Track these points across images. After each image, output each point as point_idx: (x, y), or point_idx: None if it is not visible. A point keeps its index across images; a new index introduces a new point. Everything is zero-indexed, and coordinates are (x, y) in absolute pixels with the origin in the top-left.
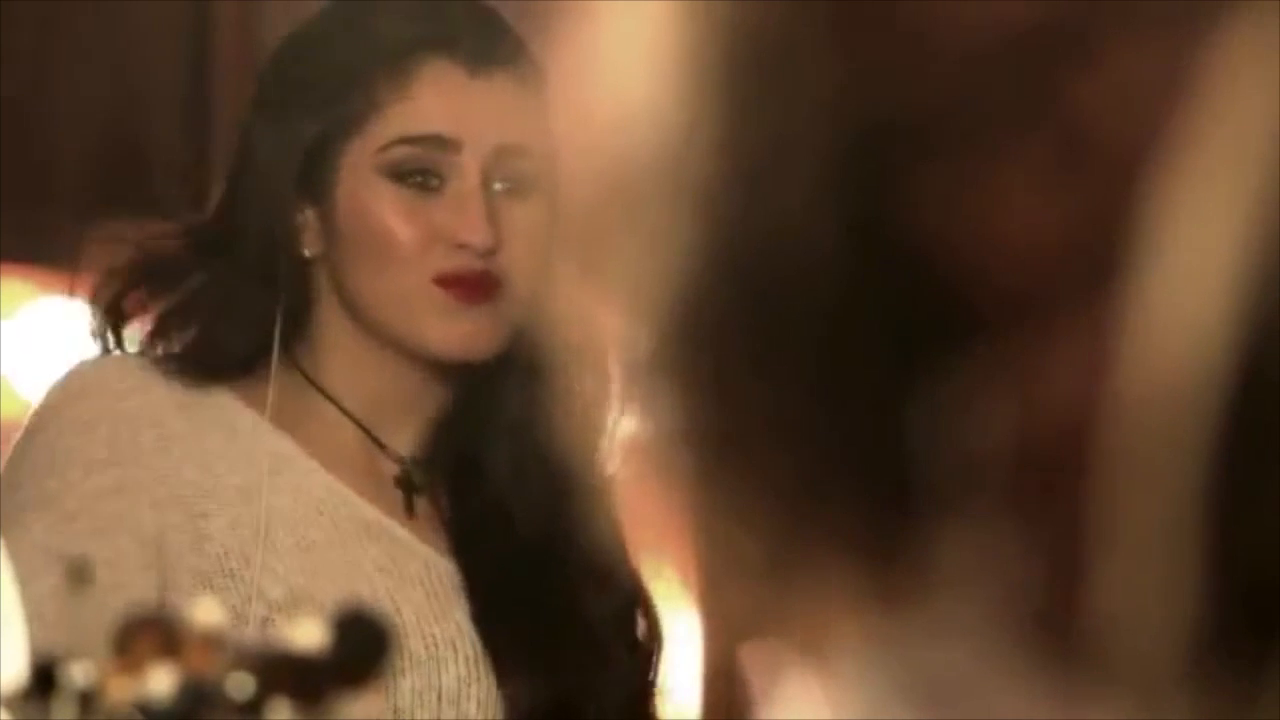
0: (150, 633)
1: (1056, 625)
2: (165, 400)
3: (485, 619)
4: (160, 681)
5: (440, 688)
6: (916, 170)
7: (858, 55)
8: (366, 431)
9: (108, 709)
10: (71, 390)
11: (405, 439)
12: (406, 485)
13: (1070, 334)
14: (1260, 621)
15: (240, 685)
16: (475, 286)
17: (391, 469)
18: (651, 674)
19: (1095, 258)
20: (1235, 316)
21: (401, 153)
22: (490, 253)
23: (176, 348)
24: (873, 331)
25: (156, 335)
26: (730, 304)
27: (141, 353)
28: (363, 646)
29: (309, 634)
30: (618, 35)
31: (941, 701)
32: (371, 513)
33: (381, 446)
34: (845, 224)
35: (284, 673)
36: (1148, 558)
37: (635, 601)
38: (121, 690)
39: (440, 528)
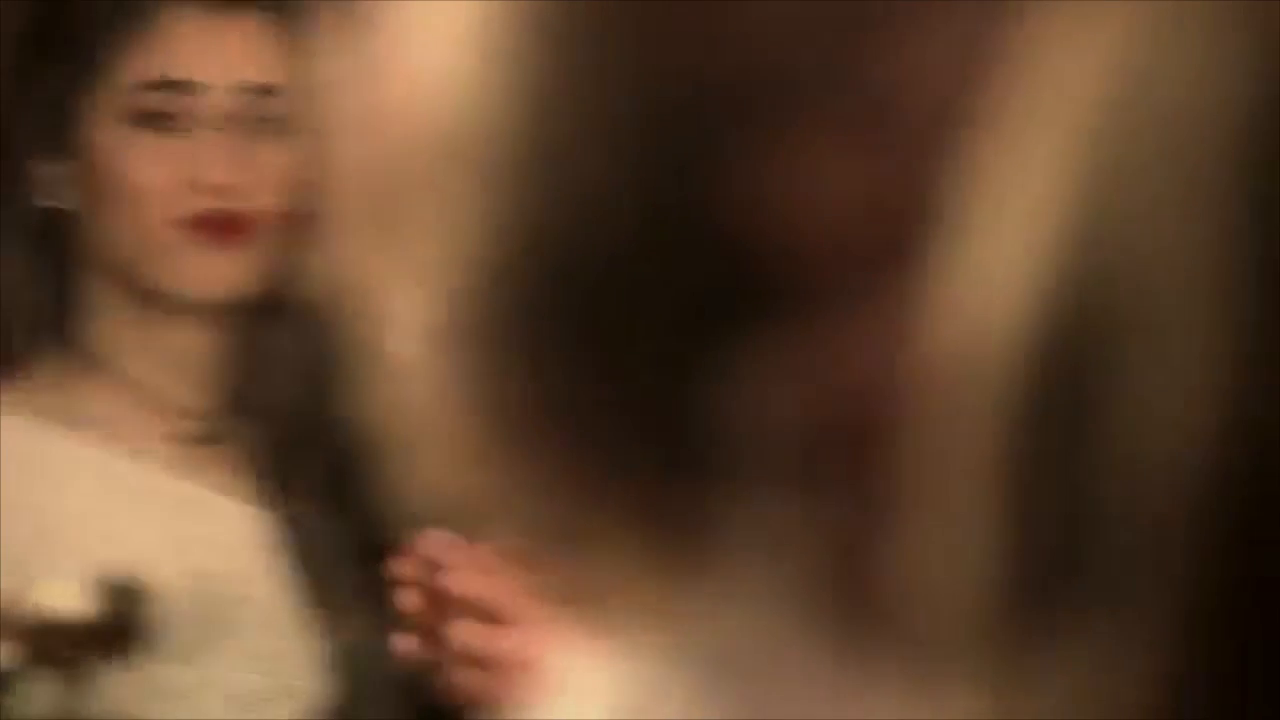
0: None
1: (851, 596)
2: None
3: (297, 567)
4: None
5: (256, 646)
6: (720, 143)
7: (661, 27)
8: (152, 393)
9: None
10: None
11: (191, 392)
12: (200, 439)
13: (870, 305)
14: (1053, 592)
15: (7, 655)
16: (224, 227)
17: (183, 425)
18: None
19: (900, 228)
20: (1039, 288)
21: (144, 98)
22: (238, 193)
23: None
24: (670, 304)
25: None
26: (529, 276)
27: None
28: (126, 612)
29: (71, 600)
30: (422, 6)
31: (733, 671)
32: (163, 477)
33: (168, 405)
34: (646, 197)
35: (50, 640)
36: (944, 529)
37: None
38: None
39: (244, 477)
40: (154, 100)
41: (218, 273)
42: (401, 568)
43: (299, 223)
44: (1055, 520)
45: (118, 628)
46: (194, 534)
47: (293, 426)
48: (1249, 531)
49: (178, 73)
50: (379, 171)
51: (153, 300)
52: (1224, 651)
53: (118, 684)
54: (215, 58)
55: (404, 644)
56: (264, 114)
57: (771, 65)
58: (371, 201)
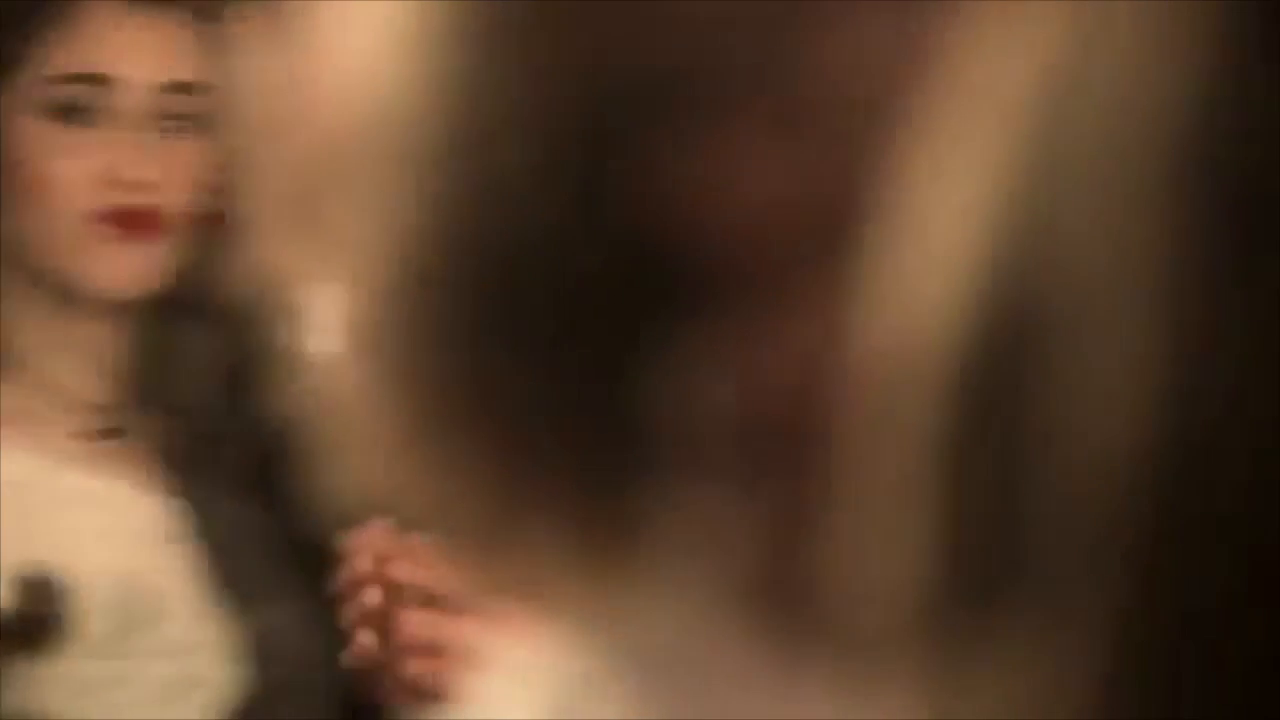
0: None
1: (785, 592)
2: None
3: (209, 560)
4: None
5: (172, 638)
6: (645, 136)
7: (585, 19)
8: (62, 388)
9: None
10: None
11: (102, 388)
12: (110, 434)
13: (802, 300)
14: (988, 591)
15: None
16: (137, 222)
17: (93, 420)
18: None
19: (831, 223)
20: (973, 285)
21: (60, 91)
22: (152, 189)
23: None
24: (598, 298)
25: None
26: (452, 271)
27: None
28: (42, 608)
29: None
30: (342, 2)
31: (665, 668)
32: (74, 472)
33: (79, 400)
34: (571, 191)
35: None
36: (878, 525)
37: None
38: None
39: (155, 471)
40: (71, 94)
41: (129, 268)
42: (356, 564)
43: (213, 221)
44: (990, 517)
45: (35, 625)
46: (107, 528)
47: (204, 421)
48: (1185, 529)
49: (96, 67)
50: (300, 167)
51: (64, 295)
52: (1159, 650)
53: (35, 681)
54: (134, 53)
55: (364, 640)
56: (182, 111)
57: (697, 58)
58: (292, 197)
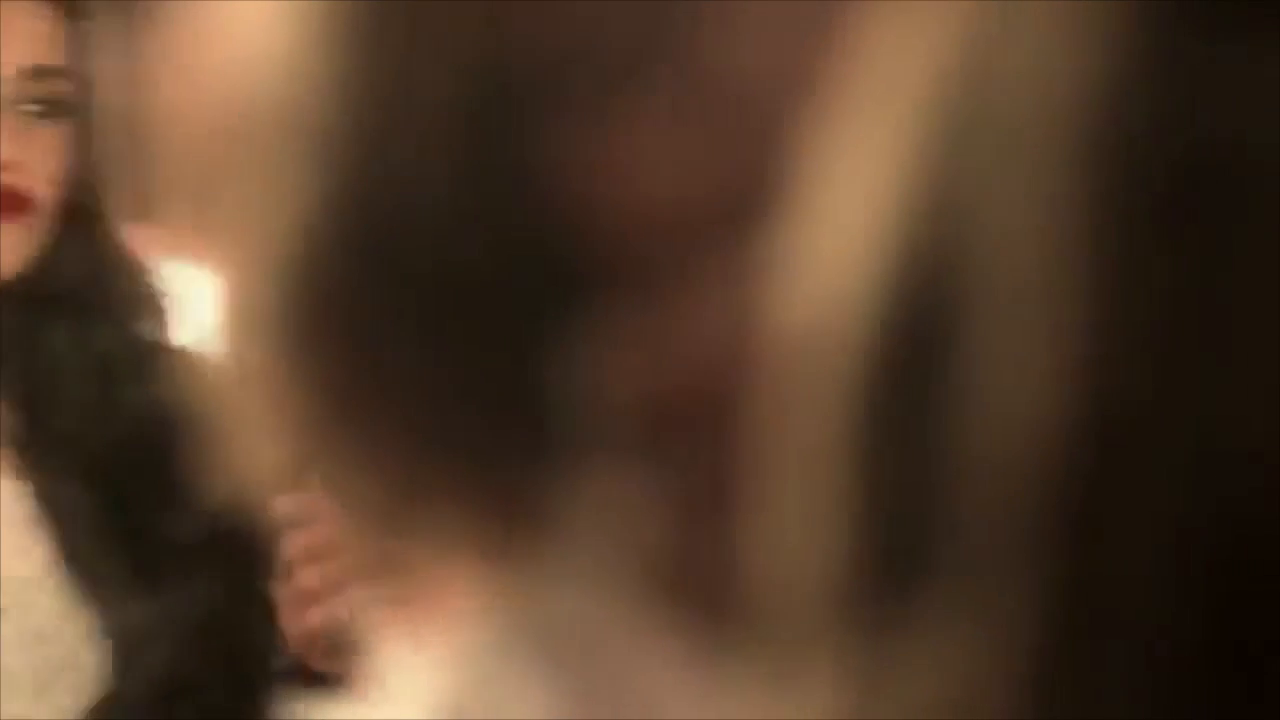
0: None
1: (696, 576)
2: None
3: (74, 550)
4: None
5: (34, 627)
6: (539, 121)
7: (478, 5)
8: None
9: None
10: None
11: None
12: None
13: (709, 279)
14: (907, 578)
15: None
16: (1, 203)
17: None
18: (249, 596)
19: (737, 203)
20: (882, 265)
21: None
22: (15, 169)
23: None
24: (497, 280)
25: None
26: (353, 252)
27: None
28: None
29: None
30: None
31: (567, 653)
32: None
33: None
34: (466, 174)
35: None
36: (792, 508)
37: (230, 527)
38: None
39: (12, 459)
40: None
41: None
42: (294, 544)
43: (78, 208)
44: (909, 503)
45: None
46: None
47: (68, 411)
48: (1107, 514)
49: None
50: (195, 154)
51: None
52: (1083, 638)
53: None
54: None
55: (313, 616)
56: (47, 96)
57: (590, 43)
58: (186, 184)
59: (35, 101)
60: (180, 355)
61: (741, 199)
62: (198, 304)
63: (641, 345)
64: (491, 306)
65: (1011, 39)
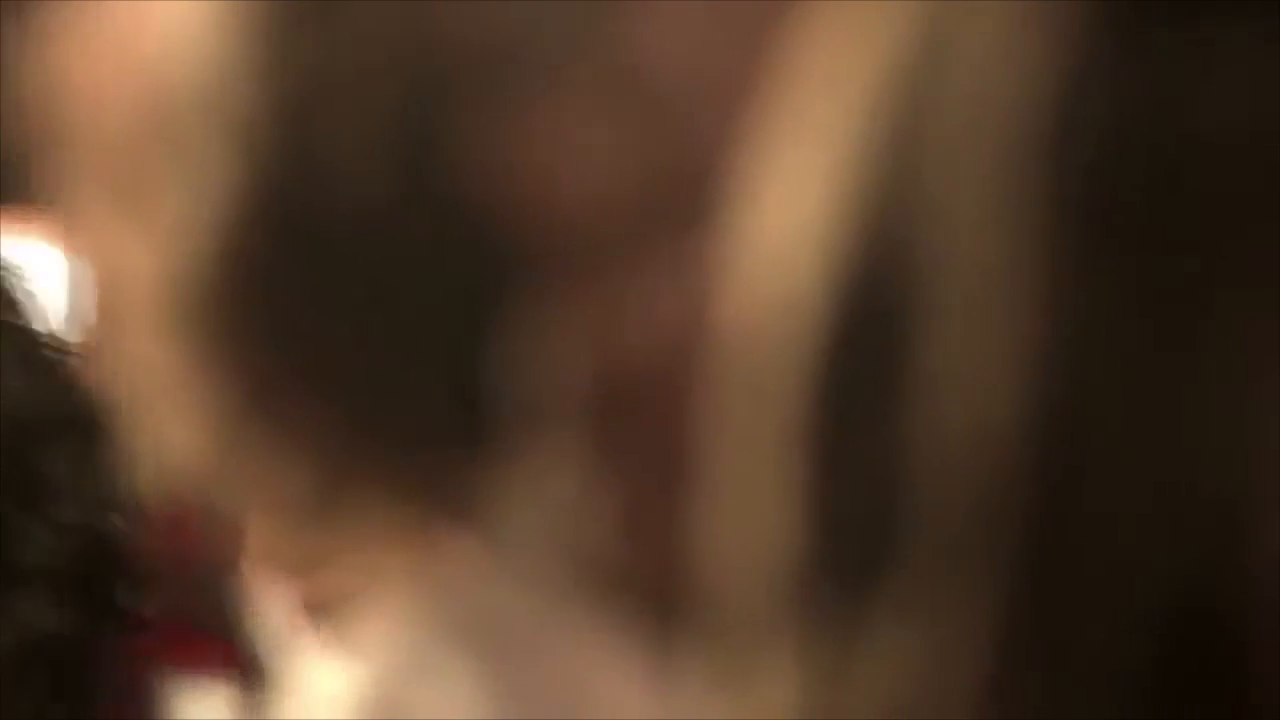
0: None
1: (637, 573)
2: None
3: None
4: None
5: None
6: (469, 107)
7: None
8: None
9: None
10: None
11: None
12: None
13: (648, 270)
14: (861, 571)
15: None
16: None
17: None
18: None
19: (671, 195)
20: (831, 253)
21: None
22: None
23: None
24: (428, 267)
25: None
26: (277, 240)
27: None
28: None
29: None
30: None
31: (500, 649)
32: None
33: None
34: (395, 160)
35: None
36: (744, 501)
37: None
38: None
39: None
40: None
41: None
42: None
43: None
44: (860, 495)
45: None
46: None
47: None
48: (1061, 511)
49: None
50: (122, 134)
51: None
52: (1040, 638)
53: None
54: None
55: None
56: None
57: (519, 29)
58: (110, 169)
59: None
60: (50, 345)
61: (677, 190)
62: (49, 288)
63: (578, 333)
64: (420, 294)
65: (965, 26)
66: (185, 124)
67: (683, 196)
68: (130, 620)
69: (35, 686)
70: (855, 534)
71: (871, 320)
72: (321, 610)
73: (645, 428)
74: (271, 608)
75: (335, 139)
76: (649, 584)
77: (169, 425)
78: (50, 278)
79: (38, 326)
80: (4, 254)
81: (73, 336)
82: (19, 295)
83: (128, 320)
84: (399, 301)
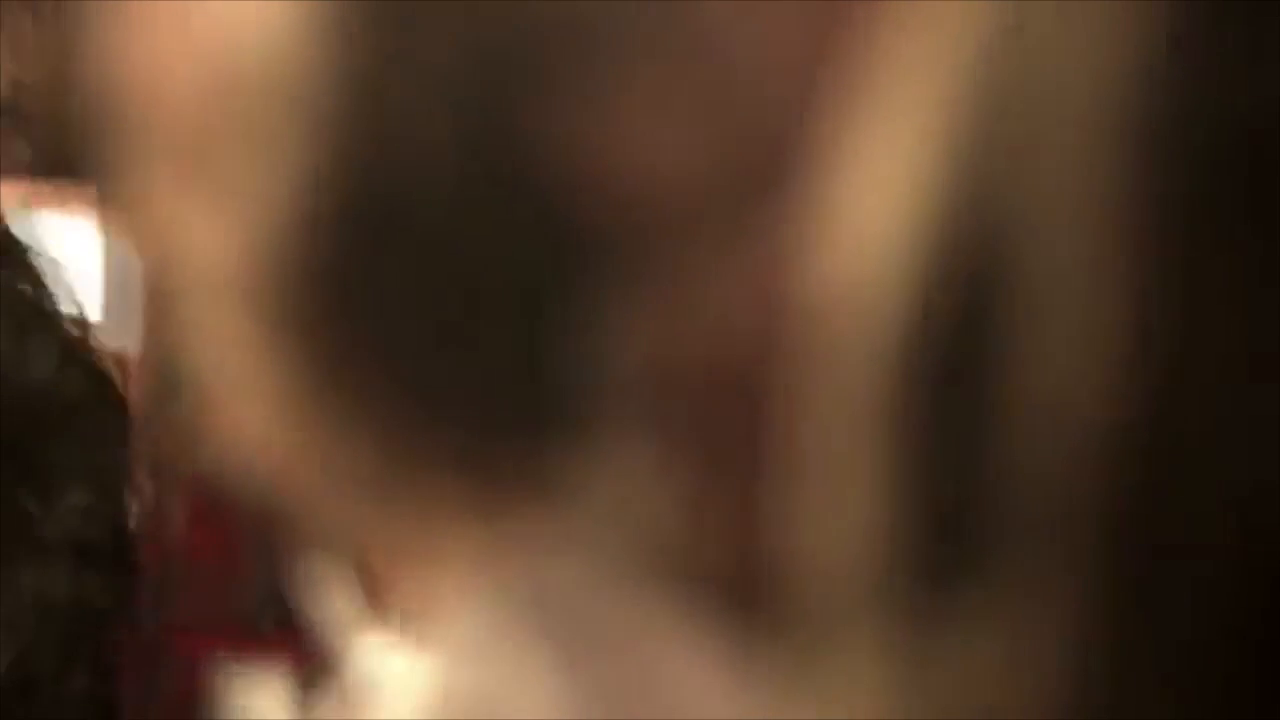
0: None
1: (713, 565)
2: None
3: None
4: None
5: None
6: (547, 88)
7: None
8: None
9: None
10: None
11: None
12: None
13: (725, 254)
14: (948, 563)
15: None
16: None
17: None
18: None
19: (750, 175)
20: (918, 237)
21: None
22: None
23: None
24: (502, 249)
25: None
26: (350, 222)
27: None
28: None
29: None
30: None
31: (575, 640)
32: None
33: None
34: (472, 142)
35: None
36: (827, 488)
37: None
38: None
39: None
40: None
41: None
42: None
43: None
44: (946, 487)
45: None
46: None
47: None
48: (1153, 511)
49: None
50: (194, 114)
51: None
52: (1130, 628)
53: None
54: None
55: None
56: None
57: (597, 11)
58: (183, 143)
59: None
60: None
61: (756, 172)
62: (79, 266)
63: (655, 315)
64: (494, 276)
65: (1056, 11)
66: (258, 105)
67: (762, 178)
68: (140, 598)
69: (55, 656)
70: (939, 528)
71: (958, 310)
72: (389, 597)
73: (723, 412)
74: (338, 596)
75: (410, 121)
76: (726, 572)
77: (237, 407)
78: (86, 254)
79: (59, 303)
80: (32, 228)
81: (106, 314)
82: (42, 269)
83: (193, 301)
84: (472, 283)
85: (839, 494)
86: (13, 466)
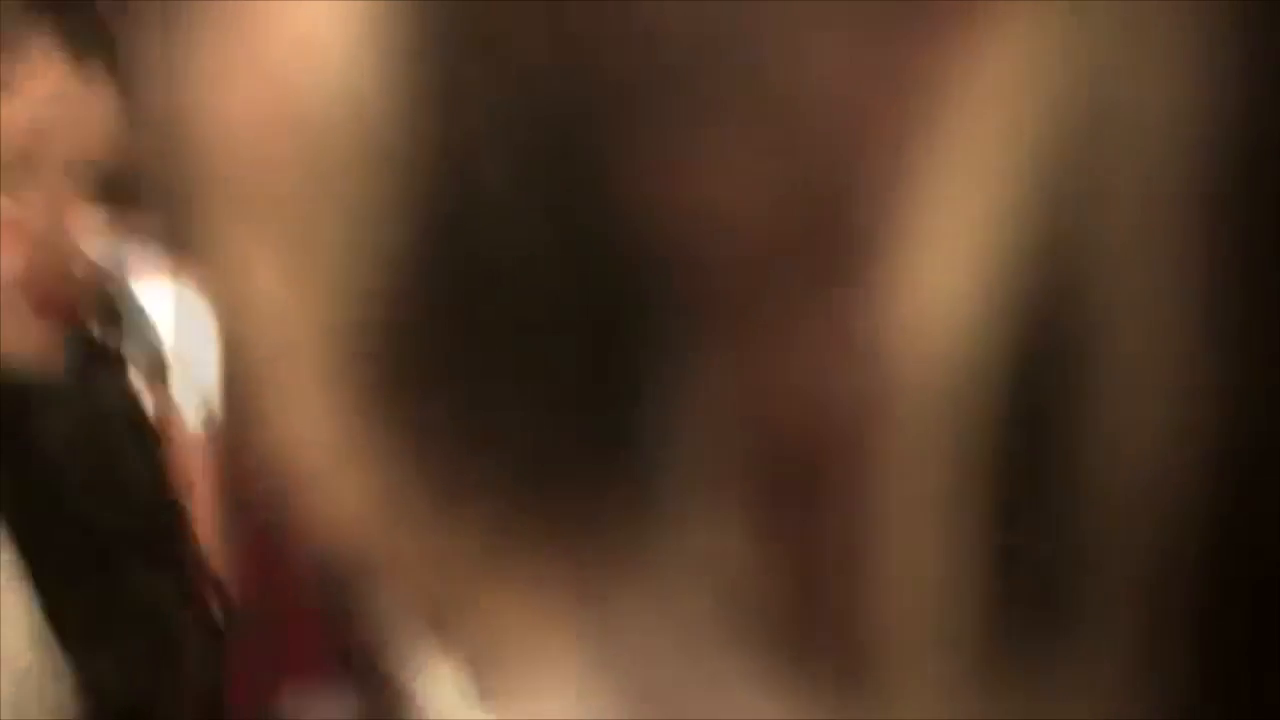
0: None
1: (805, 635)
2: None
3: (48, 604)
4: None
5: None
6: (627, 146)
7: (562, 26)
8: None
9: None
10: None
11: None
12: None
13: (810, 315)
14: (1035, 633)
15: None
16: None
17: None
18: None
19: (834, 235)
20: (996, 300)
21: None
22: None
23: None
24: (590, 311)
25: None
26: (436, 286)
27: None
28: None
29: None
30: (317, 4)
31: (665, 699)
32: None
33: None
34: (551, 202)
35: None
36: (915, 554)
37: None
38: None
39: None
40: None
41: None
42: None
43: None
44: (1034, 542)
45: None
46: None
47: (57, 456)
48: (1256, 560)
49: None
50: (272, 174)
51: None
52: (1237, 683)
53: None
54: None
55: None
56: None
57: (680, 64)
58: (264, 206)
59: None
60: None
61: (838, 231)
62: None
63: (740, 382)
64: (578, 343)
65: (1128, 69)
66: (341, 157)
67: (845, 239)
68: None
69: (127, 652)
70: (1034, 592)
71: (1045, 357)
72: (484, 663)
73: (811, 478)
74: (433, 662)
75: (491, 174)
76: (819, 641)
77: (330, 480)
78: (174, 317)
79: (142, 346)
80: (133, 290)
81: (190, 369)
82: (134, 319)
83: (279, 369)
84: (558, 348)
85: (929, 561)
86: (114, 515)
